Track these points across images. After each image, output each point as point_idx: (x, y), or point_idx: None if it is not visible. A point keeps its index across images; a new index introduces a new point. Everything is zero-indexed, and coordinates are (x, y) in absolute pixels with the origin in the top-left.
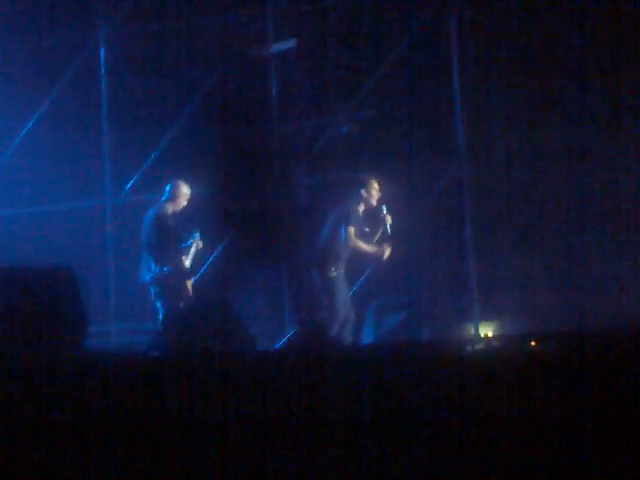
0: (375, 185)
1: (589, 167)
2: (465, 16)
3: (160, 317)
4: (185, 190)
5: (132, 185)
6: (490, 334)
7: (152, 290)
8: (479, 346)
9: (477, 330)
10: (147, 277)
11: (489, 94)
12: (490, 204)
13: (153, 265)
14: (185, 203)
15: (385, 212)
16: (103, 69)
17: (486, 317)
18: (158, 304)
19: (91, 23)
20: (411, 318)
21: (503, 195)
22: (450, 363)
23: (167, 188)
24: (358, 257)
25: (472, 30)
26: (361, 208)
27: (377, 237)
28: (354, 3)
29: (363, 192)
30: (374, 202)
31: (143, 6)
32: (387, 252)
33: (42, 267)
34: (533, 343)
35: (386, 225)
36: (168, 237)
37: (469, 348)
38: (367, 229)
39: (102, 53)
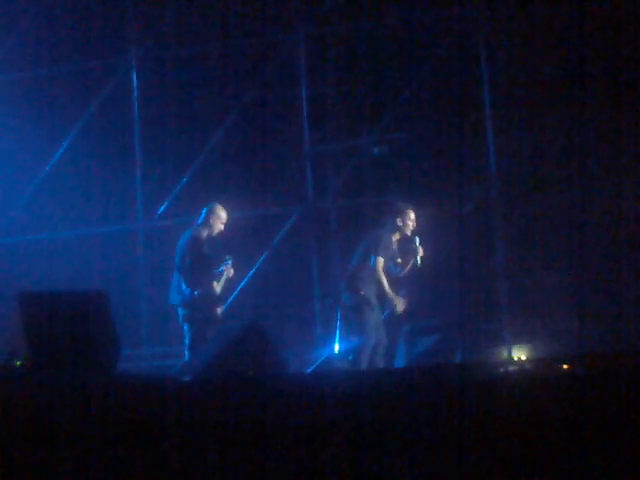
0: (412, 215)
1: (622, 189)
2: (495, 38)
3: (187, 340)
4: (222, 214)
5: (164, 209)
6: (523, 357)
7: (180, 313)
8: (512, 369)
9: (510, 353)
10: (176, 299)
11: (519, 116)
12: (521, 226)
13: (184, 287)
14: (221, 227)
15: (418, 243)
16: (135, 93)
17: (519, 340)
18: (185, 327)
19: (123, 48)
20: (443, 341)
21: (534, 217)
22: (483, 386)
23: (204, 211)
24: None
25: (502, 51)
26: (395, 237)
27: (408, 268)
28: (384, 26)
29: (399, 221)
30: (408, 232)
31: (175, 30)
32: (400, 306)
33: (75, 291)
34: (566, 366)
35: (417, 257)
36: (201, 260)
37: (502, 371)
38: (399, 260)
39: (134, 77)
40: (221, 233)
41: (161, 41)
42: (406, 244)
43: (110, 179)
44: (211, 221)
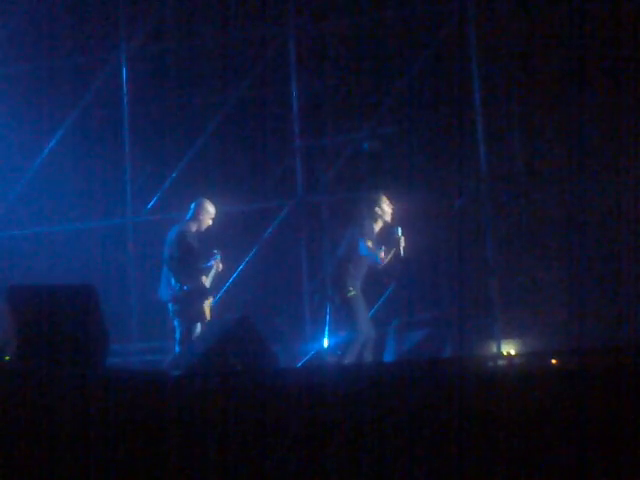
0: (387, 202)
1: (612, 184)
2: (485, 33)
3: (177, 335)
4: (210, 209)
5: (154, 204)
6: (512, 352)
7: (170, 308)
8: (501, 364)
9: (499, 348)
10: (166, 294)
11: (510, 110)
12: (511, 222)
13: (173, 282)
14: (210, 222)
15: (400, 234)
16: (125, 88)
17: (508, 335)
18: (175, 322)
19: (113, 43)
20: (432, 336)
21: (524, 213)
22: (472, 381)
23: (192, 206)
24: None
25: (493, 47)
26: (377, 226)
27: (389, 258)
28: (376, 21)
29: (377, 210)
30: (389, 219)
31: (165, 26)
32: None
33: (64, 285)
34: (554, 361)
35: (400, 247)
36: (190, 256)
37: (491, 366)
38: (383, 247)
39: (124, 72)
40: (209, 228)
41: (151, 37)
42: (388, 235)
43: (100, 174)
44: (199, 216)
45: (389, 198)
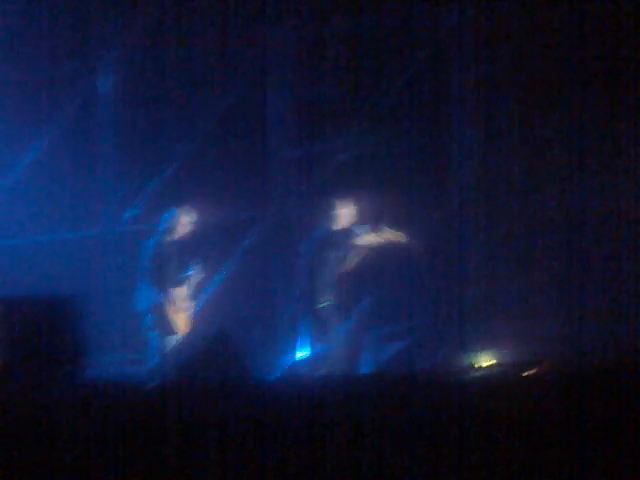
0: (342, 205)
1: (591, 194)
2: (466, 45)
3: (154, 347)
4: (186, 219)
5: (132, 214)
6: (486, 363)
7: (148, 319)
8: (476, 375)
9: (475, 359)
10: (144, 306)
11: (491, 121)
12: (488, 232)
13: (151, 294)
14: (186, 232)
15: (359, 232)
16: (108, 97)
17: (484, 346)
18: (153, 334)
19: (93, 52)
20: (410, 347)
21: (501, 223)
22: (449, 392)
23: (168, 216)
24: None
25: (474, 57)
26: (339, 227)
27: (355, 261)
28: (353, 31)
29: (334, 213)
30: (347, 223)
31: (146, 35)
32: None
33: (42, 296)
34: (529, 372)
35: (366, 245)
36: (167, 266)
37: (466, 377)
38: (341, 254)
39: (107, 81)
40: (186, 238)
41: (136, 44)
42: (348, 237)
43: (78, 184)
44: (176, 226)
45: (346, 201)
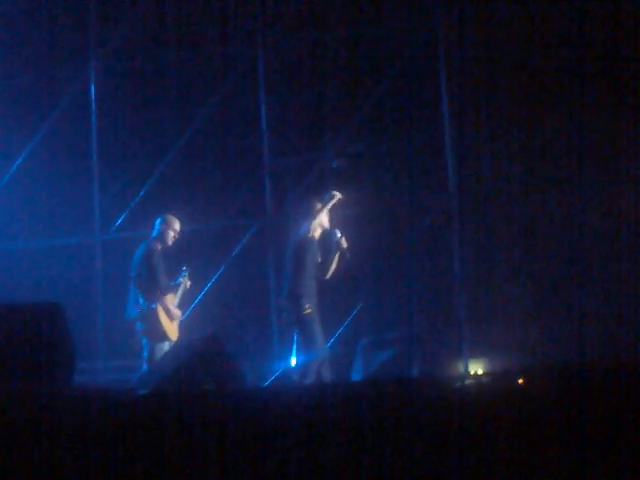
0: (322, 208)
1: (579, 201)
2: (455, 53)
3: (144, 354)
4: (175, 225)
5: (122, 222)
6: (480, 371)
7: (138, 326)
8: (468, 382)
9: (467, 366)
10: (134, 313)
11: (479, 129)
12: (479, 239)
13: (141, 301)
14: (175, 238)
15: (339, 236)
16: (93, 105)
17: (476, 353)
18: (143, 341)
19: (82, 59)
20: (400, 355)
21: (493, 230)
22: (439, 400)
23: (157, 223)
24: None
25: (462, 66)
26: (317, 233)
27: (335, 266)
28: (344, 39)
29: (314, 216)
30: (327, 225)
31: (134, 43)
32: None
33: (30, 303)
34: (522, 380)
35: (343, 251)
36: (157, 273)
37: (458, 385)
38: (319, 259)
39: (92, 89)
40: (176, 244)
41: (120, 53)
42: (327, 241)
43: (67, 191)
44: (165, 232)
45: (321, 201)
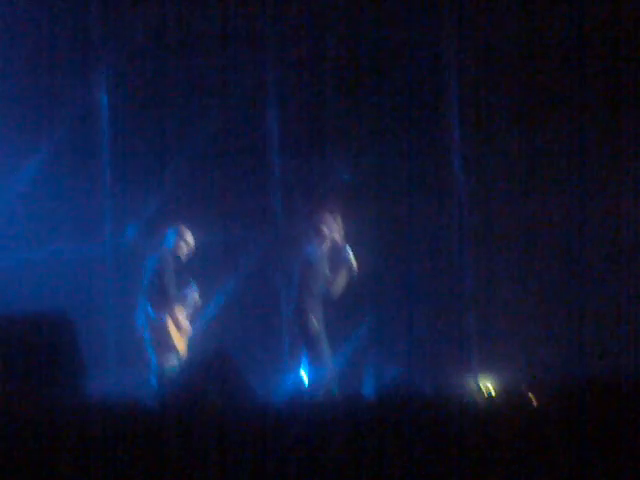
0: (334, 222)
1: (590, 215)
2: (464, 64)
3: (153, 366)
4: (188, 237)
5: (132, 231)
6: (489, 386)
7: (147, 338)
8: (478, 397)
9: (476, 382)
10: (144, 324)
11: (489, 140)
12: (491, 254)
13: (151, 312)
14: (187, 250)
15: (349, 253)
16: (104, 113)
17: (486, 368)
18: (152, 353)
19: (93, 67)
20: (410, 370)
21: (504, 245)
22: (449, 415)
23: (169, 234)
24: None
25: (471, 77)
26: (326, 246)
27: (342, 282)
28: (352, 50)
29: (325, 230)
30: (337, 239)
31: (146, 49)
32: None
33: (39, 313)
34: (531, 395)
35: (351, 268)
36: (168, 285)
37: (468, 400)
38: (328, 272)
39: (104, 97)
40: (187, 256)
41: (132, 61)
42: (338, 255)
43: (78, 200)
44: (177, 244)
45: (335, 217)
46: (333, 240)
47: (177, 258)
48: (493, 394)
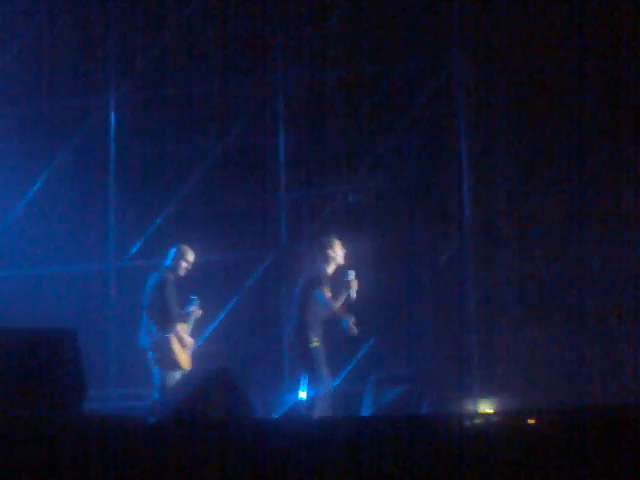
0: (339, 245)
1: (591, 243)
2: (472, 88)
3: (156, 382)
4: (189, 256)
5: (137, 249)
6: (490, 410)
7: (150, 355)
8: (477, 422)
9: (477, 405)
10: (146, 342)
11: (495, 166)
12: (493, 278)
13: (154, 330)
14: (189, 268)
15: (352, 277)
16: (112, 134)
17: (486, 392)
18: (155, 370)
19: (102, 88)
20: (411, 392)
21: (506, 269)
22: (449, 438)
23: (171, 252)
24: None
25: (479, 103)
26: (330, 269)
27: (341, 303)
28: (361, 74)
29: (330, 252)
30: (341, 262)
31: (153, 72)
32: (353, 329)
33: (43, 329)
34: (531, 420)
35: (351, 290)
36: (170, 303)
37: (467, 423)
38: (329, 293)
39: (112, 118)
40: (189, 274)
41: (140, 82)
42: (340, 278)
43: (84, 218)
44: (178, 263)
45: (341, 241)
46: (336, 261)
47: (178, 277)
48: (493, 418)
